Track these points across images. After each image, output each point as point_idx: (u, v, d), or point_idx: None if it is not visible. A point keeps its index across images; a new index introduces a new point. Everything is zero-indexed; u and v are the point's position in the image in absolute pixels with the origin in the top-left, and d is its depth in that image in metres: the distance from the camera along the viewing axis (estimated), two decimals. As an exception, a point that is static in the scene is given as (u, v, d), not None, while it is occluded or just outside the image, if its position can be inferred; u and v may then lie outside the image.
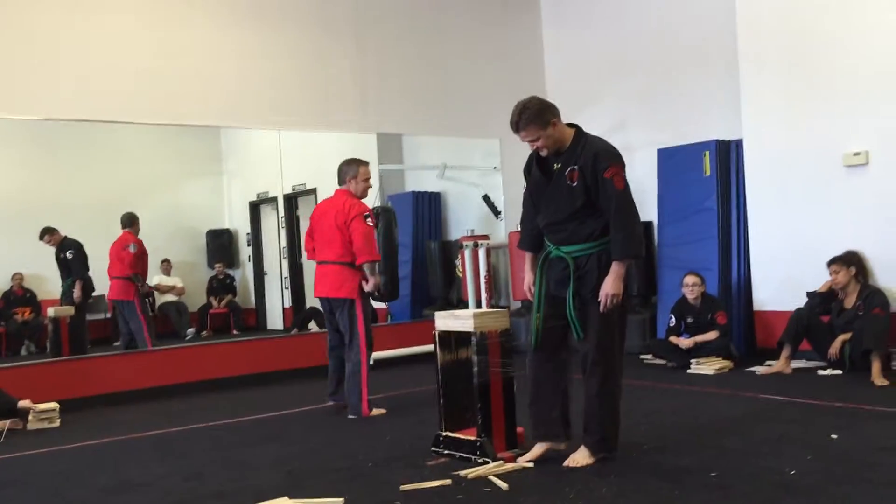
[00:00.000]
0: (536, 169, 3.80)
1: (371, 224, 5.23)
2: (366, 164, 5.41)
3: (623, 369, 3.77)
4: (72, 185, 7.95)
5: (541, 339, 3.75)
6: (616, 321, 3.67)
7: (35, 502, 3.60)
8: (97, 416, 5.86)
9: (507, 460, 3.73)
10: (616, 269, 3.58)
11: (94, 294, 7.59)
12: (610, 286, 3.57)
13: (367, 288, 5.22)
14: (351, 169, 5.34)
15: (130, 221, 7.42)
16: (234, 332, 9.00)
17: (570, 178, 3.64)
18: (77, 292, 7.30)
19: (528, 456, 3.78)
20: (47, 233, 7.50)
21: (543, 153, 3.72)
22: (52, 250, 7.43)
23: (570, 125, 3.76)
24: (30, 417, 5.43)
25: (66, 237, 7.41)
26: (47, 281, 7.85)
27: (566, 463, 3.66)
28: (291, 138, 8.76)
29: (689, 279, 6.57)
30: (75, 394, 6.14)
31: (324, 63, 7.74)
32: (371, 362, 5.34)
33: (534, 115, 3.61)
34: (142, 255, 7.47)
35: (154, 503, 3.48)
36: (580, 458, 3.67)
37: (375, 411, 5.25)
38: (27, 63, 6.25)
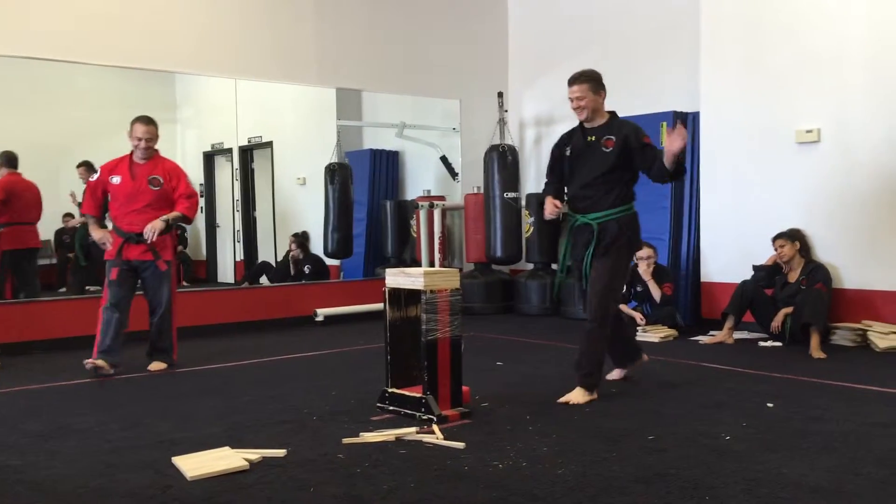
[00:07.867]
0: (580, 138, 4.39)
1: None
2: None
3: (610, 317, 4.31)
4: (17, 127, 7.65)
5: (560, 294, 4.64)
6: (614, 275, 4.24)
7: (-32, 445, 3.53)
8: (38, 361, 5.75)
9: (451, 418, 3.76)
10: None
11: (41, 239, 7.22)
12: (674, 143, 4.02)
13: None
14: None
15: None
16: (184, 283, 8.87)
17: (606, 145, 4.27)
18: None
19: (612, 375, 4.65)
20: None
21: (581, 115, 4.34)
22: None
23: (608, 111, 4.39)
24: (-32, 361, 5.33)
25: None
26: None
27: (561, 400, 4.13)
28: (249, 90, 8.58)
29: (644, 252, 6.58)
30: (17, 338, 6.04)
31: (283, 13, 7.58)
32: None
33: (590, 78, 4.34)
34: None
35: (89, 450, 3.43)
36: (575, 395, 4.16)
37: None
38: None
